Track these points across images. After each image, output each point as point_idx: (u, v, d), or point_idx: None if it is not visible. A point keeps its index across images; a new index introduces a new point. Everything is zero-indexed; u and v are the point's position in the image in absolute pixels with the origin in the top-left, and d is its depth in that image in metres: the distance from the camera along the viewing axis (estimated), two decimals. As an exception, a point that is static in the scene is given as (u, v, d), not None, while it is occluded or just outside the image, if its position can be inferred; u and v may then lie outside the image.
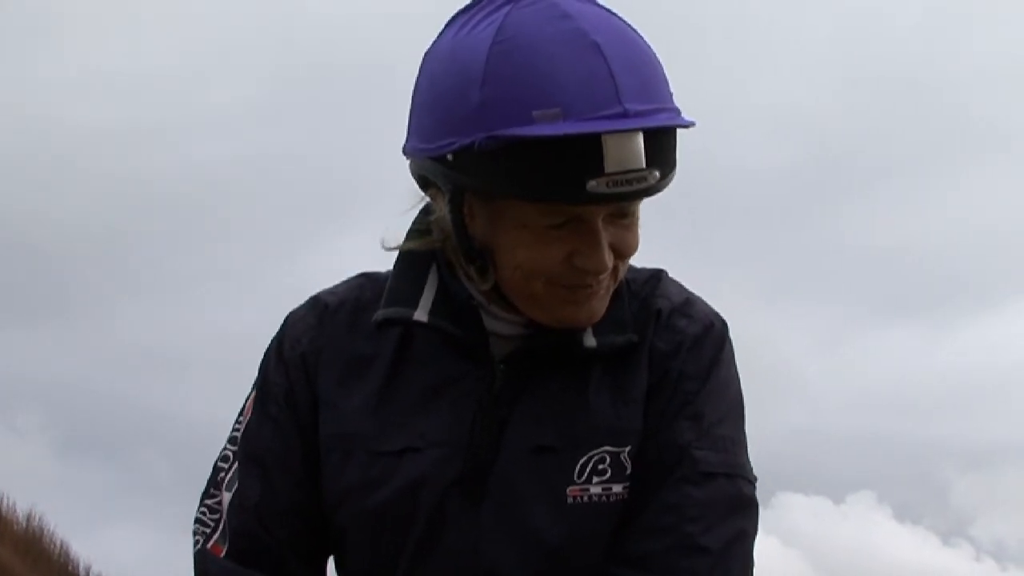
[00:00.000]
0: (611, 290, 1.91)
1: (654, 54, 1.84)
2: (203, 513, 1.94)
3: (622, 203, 1.82)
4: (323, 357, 1.99)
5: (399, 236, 1.98)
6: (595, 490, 1.90)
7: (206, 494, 1.96)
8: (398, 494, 1.89)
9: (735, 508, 1.95)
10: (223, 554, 1.91)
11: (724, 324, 2.04)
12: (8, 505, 1.67)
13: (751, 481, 1.98)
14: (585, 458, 1.90)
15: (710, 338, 2.02)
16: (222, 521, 1.92)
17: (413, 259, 1.99)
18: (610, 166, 1.74)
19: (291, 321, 2.02)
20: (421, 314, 1.93)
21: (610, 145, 1.73)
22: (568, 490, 1.89)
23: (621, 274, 1.92)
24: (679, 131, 1.75)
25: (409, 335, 1.97)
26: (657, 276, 2.04)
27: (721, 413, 1.99)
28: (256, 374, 2.00)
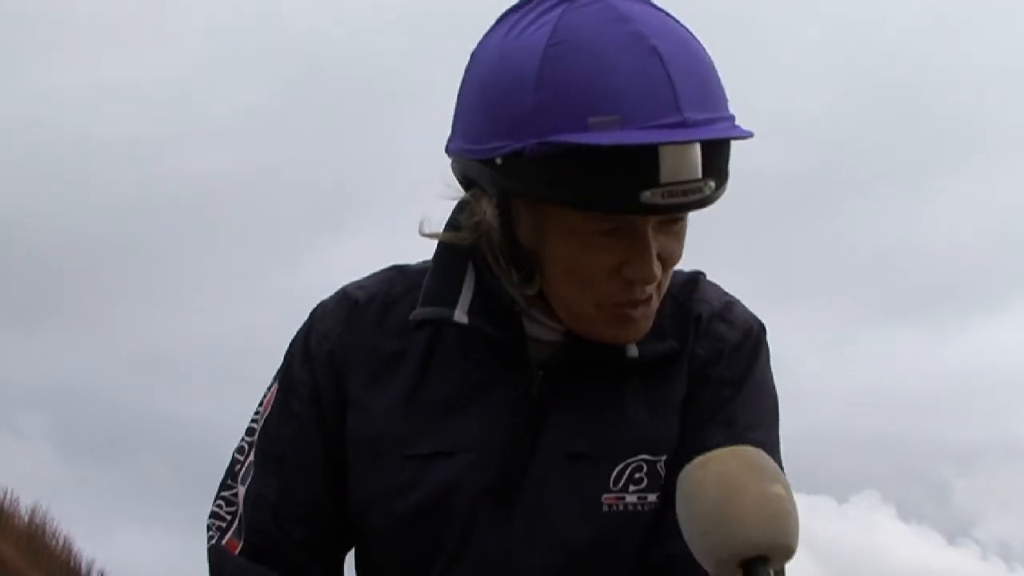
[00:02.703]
0: (656, 305, 1.86)
1: (711, 60, 1.79)
2: (219, 506, 1.91)
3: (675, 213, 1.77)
4: (351, 355, 1.93)
5: (435, 226, 1.91)
6: (631, 499, 1.87)
7: (223, 486, 1.92)
8: (429, 499, 1.85)
9: None
10: (238, 550, 1.87)
11: (763, 327, 2.01)
12: (11, 502, 1.73)
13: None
14: (621, 466, 1.87)
15: (748, 343, 1.98)
16: (238, 515, 1.89)
17: (450, 257, 1.93)
18: (666, 176, 1.70)
19: (319, 315, 1.95)
20: (460, 314, 1.88)
21: (667, 156, 1.69)
22: (603, 498, 1.86)
23: (665, 285, 1.88)
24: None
25: (440, 332, 1.92)
26: (695, 279, 2.00)
27: (755, 418, 1.96)
28: (280, 363, 1.95)
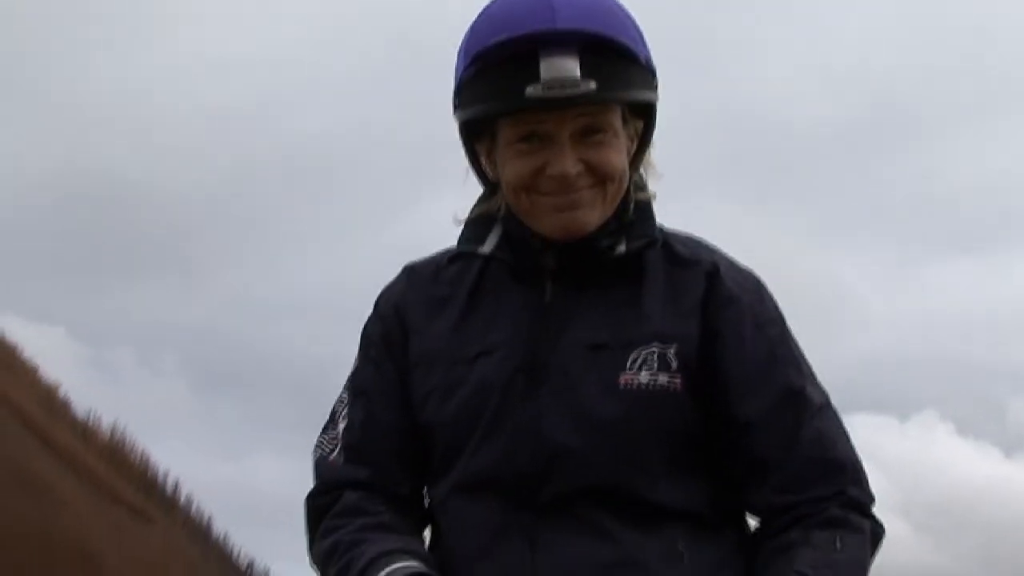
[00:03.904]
0: (599, 204, 2.18)
1: (619, 10, 2.15)
2: (321, 444, 2.24)
3: (580, 118, 2.11)
4: (411, 303, 2.31)
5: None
6: (643, 378, 2.15)
7: (324, 430, 2.25)
8: (473, 390, 2.18)
9: (844, 428, 2.26)
10: (340, 463, 2.22)
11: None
12: (94, 420, 1.92)
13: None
14: (635, 352, 2.17)
15: (765, 289, 2.32)
16: (338, 444, 2.22)
17: (483, 216, 2.29)
18: (545, 74, 2.06)
19: (383, 291, 2.36)
20: (486, 249, 2.26)
21: (545, 58, 2.06)
22: (620, 377, 2.14)
23: (612, 192, 2.19)
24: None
25: (482, 275, 2.29)
26: (695, 237, 2.34)
27: (804, 354, 2.29)
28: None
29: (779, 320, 2.27)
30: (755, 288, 2.28)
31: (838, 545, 2.11)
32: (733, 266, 2.29)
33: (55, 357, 1.84)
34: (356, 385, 2.30)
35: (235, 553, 1.98)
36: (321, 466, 2.25)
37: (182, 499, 1.96)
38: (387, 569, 2.06)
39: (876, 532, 2.18)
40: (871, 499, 2.21)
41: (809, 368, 2.28)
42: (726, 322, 2.20)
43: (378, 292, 2.38)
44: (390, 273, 2.40)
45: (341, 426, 2.26)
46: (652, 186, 2.29)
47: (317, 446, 2.28)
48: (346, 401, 2.30)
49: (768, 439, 2.16)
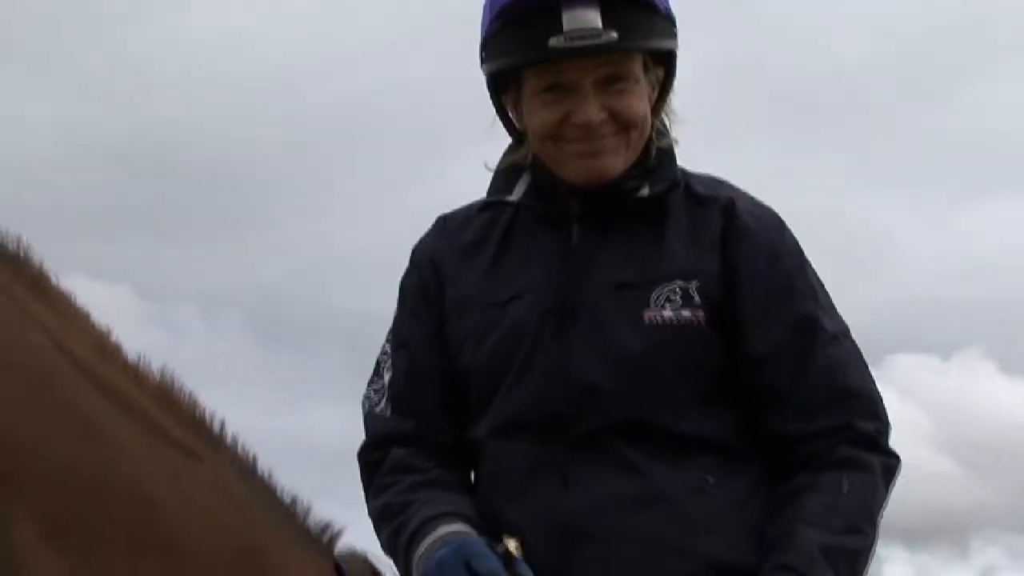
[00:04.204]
0: (623, 149, 2.23)
1: None
2: (368, 397, 2.35)
3: (603, 67, 2.17)
4: (444, 251, 2.39)
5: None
6: (667, 314, 2.21)
7: (370, 382, 2.36)
8: (506, 333, 2.27)
9: (860, 356, 2.30)
10: (386, 414, 2.33)
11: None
12: (144, 364, 1.99)
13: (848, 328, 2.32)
14: (659, 290, 2.23)
15: (784, 224, 2.34)
16: (384, 395, 2.32)
17: (512, 166, 2.37)
18: (567, 25, 2.13)
19: (418, 243, 2.45)
20: (514, 197, 2.34)
21: (566, 9, 2.13)
22: (645, 313, 2.21)
23: (634, 138, 2.25)
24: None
25: (512, 222, 2.37)
26: (717, 177, 2.38)
27: (822, 286, 2.32)
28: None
29: (796, 252, 2.31)
30: (772, 222, 2.32)
31: (845, 488, 2.16)
32: (751, 201, 2.33)
33: (120, 315, 1.90)
34: (397, 336, 2.39)
35: (280, 490, 2.05)
36: (370, 419, 2.36)
37: (228, 438, 2.02)
38: (433, 535, 2.15)
39: (888, 466, 2.24)
40: (884, 430, 2.24)
41: (827, 299, 2.31)
42: (742, 256, 2.25)
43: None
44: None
45: (387, 377, 2.36)
46: (674, 132, 2.36)
47: (365, 399, 2.38)
48: (389, 353, 2.39)
49: (781, 368, 2.21)
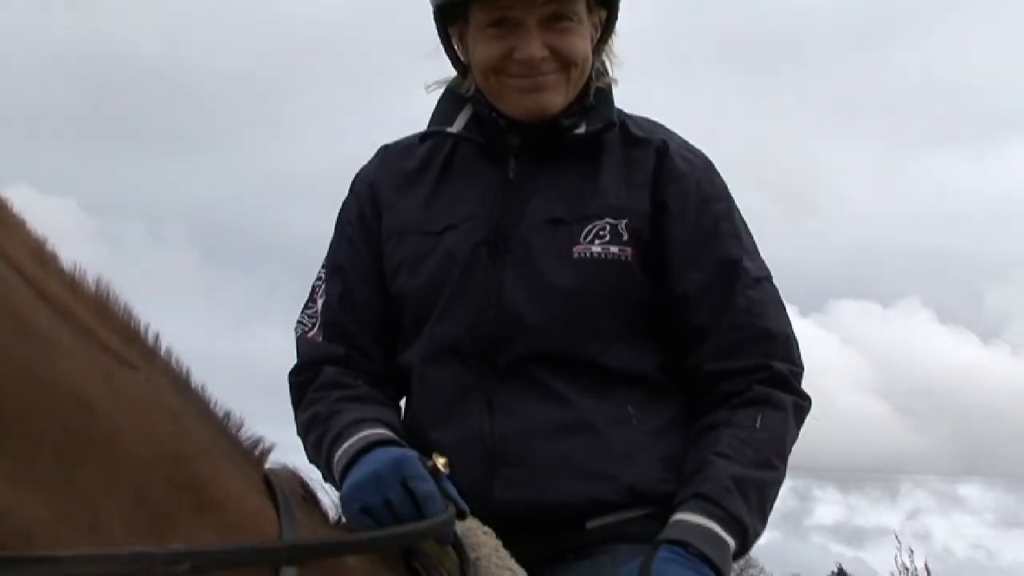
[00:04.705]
0: (563, 87, 2.29)
1: None
2: (301, 321, 2.40)
3: (547, 5, 2.21)
4: (384, 179, 2.44)
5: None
6: (596, 249, 2.28)
7: (304, 307, 2.41)
8: (440, 262, 2.33)
9: (780, 301, 2.38)
10: (317, 340, 2.37)
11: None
12: (80, 274, 1.99)
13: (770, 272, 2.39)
14: (589, 226, 2.30)
15: (714, 169, 2.41)
16: (317, 322, 2.37)
17: (452, 94, 2.42)
18: None
19: (359, 171, 2.50)
20: (454, 128, 2.39)
21: None
22: (574, 249, 2.29)
23: (574, 77, 2.31)
24: None
25: (452, 153, 2.42)
26: (653, 120, 2.45)
27: (748, 231, 2.39)
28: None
29: (725, 197, 2.38)
30: (703, 166, 2.39)
31: (758, 424, 2.25)
32: (683, 145, 2.40)
33: (65, 228, 1.89)
34: (333, 262, 2.45)
35: (213, 404, 2.07)
36: (301, 343, 2.41)
37: (163, 350, 2.04)
38: (354, 436, 2.21)
39: (800, 406, 2.35)
40: (798, 372, 2.33)
41: (752, 243, 2.39)
42: (672, 196, 2.32)
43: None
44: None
45: (320, 303, 2.41)
46: (614, 73, 2.43)
47: (298, 323, 2.43)
48: (323, 278, 2.44)
49: (704, 307, 2.29)
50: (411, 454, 2.14)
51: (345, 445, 2.20)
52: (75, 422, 1.76)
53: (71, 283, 1.94)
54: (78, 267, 2.02)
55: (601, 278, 2.28)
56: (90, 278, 2.02)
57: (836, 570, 17.93)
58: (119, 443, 1.81)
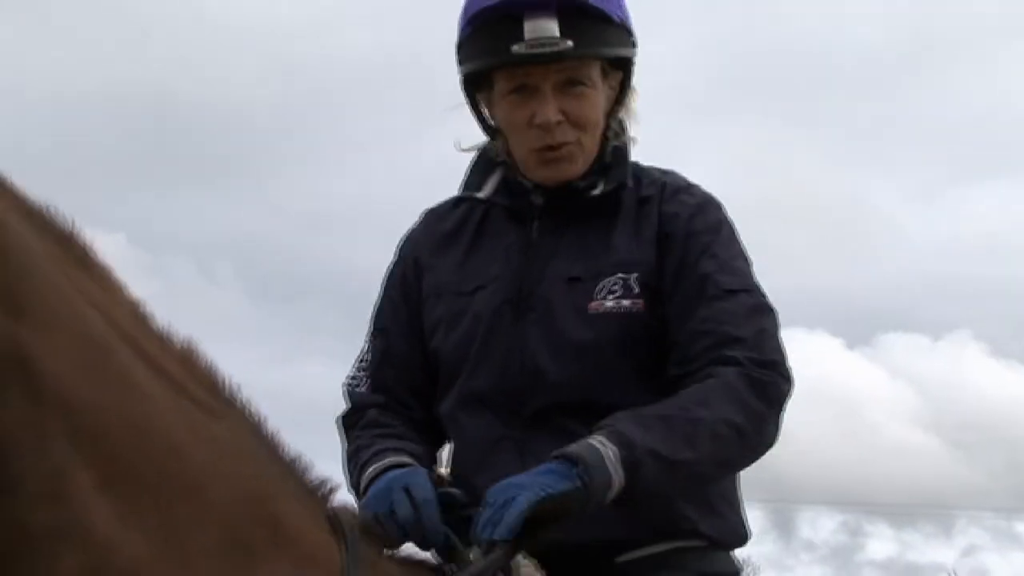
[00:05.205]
0: (578, 156, 2.46)
1: None
2: (352, 376, 2.64)
3: (562, 72, 2.38)
4: (425, 241, 2.65)
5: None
6: (609, 304, 2.44)
7: (355, 362, 2.65)
8: (471, 319, 2.52)
9: (757, 311, 2.44)
10: (364, 392, 2.63)
11: (719, 201, 2.55)
12: (170, 330, 2.25)
13: (765, 295, 2.48)
14: (603, 282, 2.45)
15: (711, 205, 2.53)
16: (364, 376, 2.62)
17: (486, 161, 2.60)
18: (528, 34, 2.36)
19: (405, 234, 2.71)
20: (483, 194, 2.59)
21: (528, 19, 2.35)
22: (589, 305, 2.45)
23: (589, 144, 2.48)
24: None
25: (484, 217, 2.61)
26: (666, 171, 2.60)
27: (733, 254, 2.49)
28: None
29: (716, 229, 2.48)
30: (697, 203, 2.50)
31: (681, 393, 2.31)
32: (682, 188, 2.52)
33: (115, 263, 2.11)
34: (377, 324, 2.67)
35: (284, 447, 2.32)
36: (351, 395, 2.66)
37: (241, 399, 2.29)
38: (379, 462, 2.44)
39: (752, 377, 2.32)
40: (764, 360, 2.35)
41: (734, 262, 2.47)
42: (666, 241, 2.47)
43: (421, 206, 2.72)
44: (440, 187, 2.75)
45: (367, 360, 2.64)
46: (633, 132, 2.59)
47: (348, 378, 2.66)
48: (369, 338, 2.67)
49: (675, 322, 2.42)
50: (419, 470, 2.41)
51: (370, 469, 2.45)
52: (171, 467, 2.02)
53: (161, 340, 2.20)
54: (169, 325, 2.27)
55: (615, 331, 2.43)
56: (178, 335, 2.27)
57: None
58: (207, 485, 2.07)
